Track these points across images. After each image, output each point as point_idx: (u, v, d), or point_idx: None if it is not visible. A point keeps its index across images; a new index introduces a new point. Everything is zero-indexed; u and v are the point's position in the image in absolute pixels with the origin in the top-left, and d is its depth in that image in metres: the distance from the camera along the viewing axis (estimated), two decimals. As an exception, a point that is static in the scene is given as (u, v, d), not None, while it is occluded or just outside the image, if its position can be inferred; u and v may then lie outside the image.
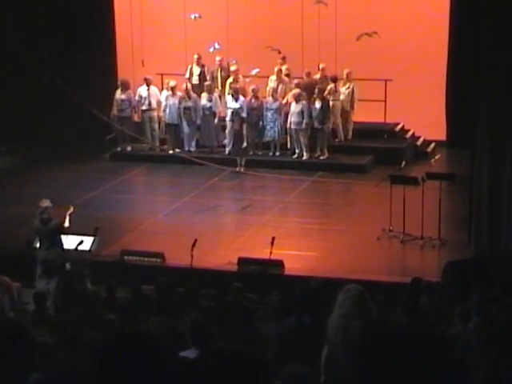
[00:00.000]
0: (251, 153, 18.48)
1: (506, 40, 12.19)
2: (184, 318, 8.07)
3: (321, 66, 18.72)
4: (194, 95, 18.79)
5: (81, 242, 12.16)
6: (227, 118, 18.36)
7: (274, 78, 18.79)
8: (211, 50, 19.00)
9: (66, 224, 12.20)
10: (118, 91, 19.06)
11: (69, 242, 12.24)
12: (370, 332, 5.16)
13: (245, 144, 18.33)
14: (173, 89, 18.82)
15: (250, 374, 3.25)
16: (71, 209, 12.38)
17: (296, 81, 18.59)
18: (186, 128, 18.94)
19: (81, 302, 9.85)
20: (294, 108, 17.91)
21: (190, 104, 18.74)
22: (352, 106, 18.77)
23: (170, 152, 18.89)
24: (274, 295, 9.76)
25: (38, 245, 12.35)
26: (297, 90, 18.04)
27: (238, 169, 18.14)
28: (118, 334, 3.52)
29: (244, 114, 18.45)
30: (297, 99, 17.88)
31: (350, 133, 18.98)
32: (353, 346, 5.71)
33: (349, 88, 18.57)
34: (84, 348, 6.86)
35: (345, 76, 18.57)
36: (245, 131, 18.35)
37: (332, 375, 5.85)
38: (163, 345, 3.42)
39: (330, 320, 6.01)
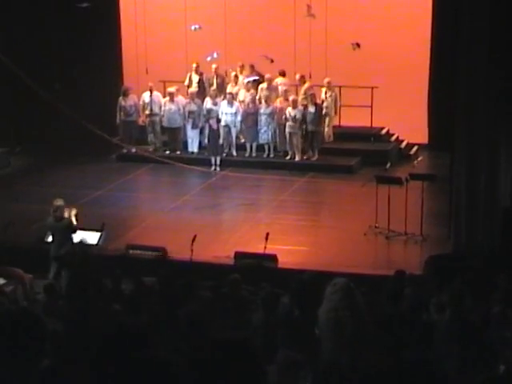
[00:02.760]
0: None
1: (482, 50, 12.20)
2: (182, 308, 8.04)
3: (297, 77, 18.70)
4: (198, 100, 18.81)
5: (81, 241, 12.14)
6: (222, 123, 18.40)
7: (264, 85, 18.78)
8: (208, 58, 19.01)
9: (74, 223, 12.17)
10: (121, 98, 19.08)
11: (78, 236, 12.23)
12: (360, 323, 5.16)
13: (220, 143, 18.34)
14: (170, 95, 18.83)
15: (241, 360, 3.25)
16: (74, 210, 12.32)
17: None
18: (189, 131, 18.97)
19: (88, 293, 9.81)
20: (291, 113, 17.91)
21: (194, 108, 18.76)
22: (336, 112, 18.78)
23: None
24: (263, 287, 9.71)
25: (49, 239, 12.34)
26: (294, 97, 18.05)
27: (213, 168, 18.15)
28: (119, 324, 3.53)
29: (239, 118, 18.49)
30: (293, 105, 17.89)
31: (331, 136, 18.92)
32: (343, 335, 5.70)
33: (331, 95, 18.52)
34: (91, 335, 6.83)
35: (326, 84, 18.49)
36: (221, 131, 18.35)
37: (323, 361, 5.85)
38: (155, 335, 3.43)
39: (321, 312, 5.99)
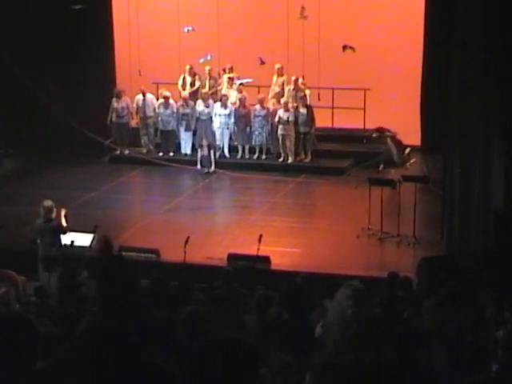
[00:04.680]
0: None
1: (475, 54, 12.23)
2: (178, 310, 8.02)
3: (276, 67, 18.63)
4: (191, 103, 18.81)
5: (72, 242, 12.10)
6: (216, 125, 18.40)
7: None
8: (201, 60, 19.01)
9: (64, 224, 12.11)
10: (114, 100, 19.05)
11: (67, 238, 12.20)
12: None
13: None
14: (165, 98, 18.81)
15: (239, 359, 3.25)
16: (64, 211, 12.27)
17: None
18: (183, 133, 18.97)
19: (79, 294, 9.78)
20: (283, 115, 17.90)
21: (187, 111, 18.75)
22: None
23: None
24: (257, 289, 9.72)
25: (39, 241, 12.30)
26: (285, 99, 18.01)
27: (206, 170, 18.13)
28: (107, 328, 3.52)
29: (232, 120, 18.49)
30: (285, 107, 17.88)
31: None
32: (350, 340, 5.65)
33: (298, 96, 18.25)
34: (83, 338, 6.80)
35: (297, 84, 18.30)
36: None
37: (321, 362, 5.80)
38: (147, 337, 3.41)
39: (332, 313, 5.90)
